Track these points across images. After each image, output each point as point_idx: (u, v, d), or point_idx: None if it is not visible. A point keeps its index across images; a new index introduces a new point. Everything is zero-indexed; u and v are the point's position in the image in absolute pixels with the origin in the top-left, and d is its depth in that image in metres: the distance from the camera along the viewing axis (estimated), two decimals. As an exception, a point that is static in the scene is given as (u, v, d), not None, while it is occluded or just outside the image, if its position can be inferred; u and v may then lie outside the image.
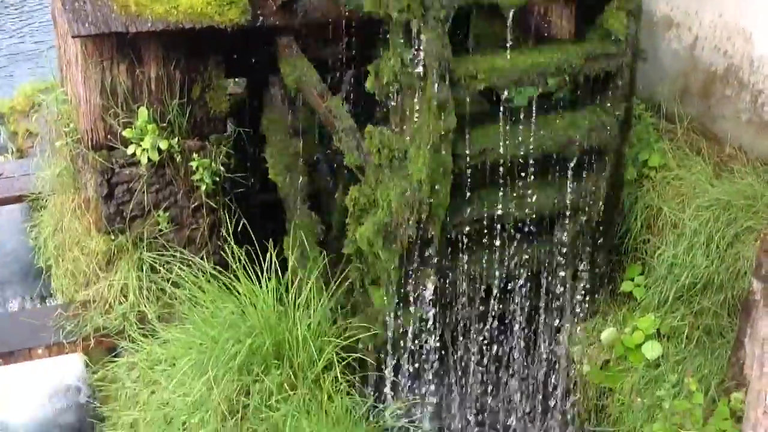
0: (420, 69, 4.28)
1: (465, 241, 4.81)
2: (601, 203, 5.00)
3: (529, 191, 4.83)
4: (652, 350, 4.86)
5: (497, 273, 5.00)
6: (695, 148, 5.54)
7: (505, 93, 4.66)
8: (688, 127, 5.67)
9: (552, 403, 5.65)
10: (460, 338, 5.29)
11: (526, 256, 5.04)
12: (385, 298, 4.81)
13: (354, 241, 4.90)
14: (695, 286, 4.96)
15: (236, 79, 6.64)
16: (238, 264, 4.94)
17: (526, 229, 4.98)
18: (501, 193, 4.75)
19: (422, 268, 4.74)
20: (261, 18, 5.52)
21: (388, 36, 4.47)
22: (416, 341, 5.04)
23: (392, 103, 4.63)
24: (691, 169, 5.36)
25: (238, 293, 4.91)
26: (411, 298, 4.87)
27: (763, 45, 5.25)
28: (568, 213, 4.98)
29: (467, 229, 4.76)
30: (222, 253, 5.41)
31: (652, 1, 5.94)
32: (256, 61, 5.90)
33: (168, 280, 5.50)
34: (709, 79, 5.64)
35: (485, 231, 4.81)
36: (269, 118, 5.96)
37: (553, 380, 5.58)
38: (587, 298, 5.34)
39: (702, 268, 4.90)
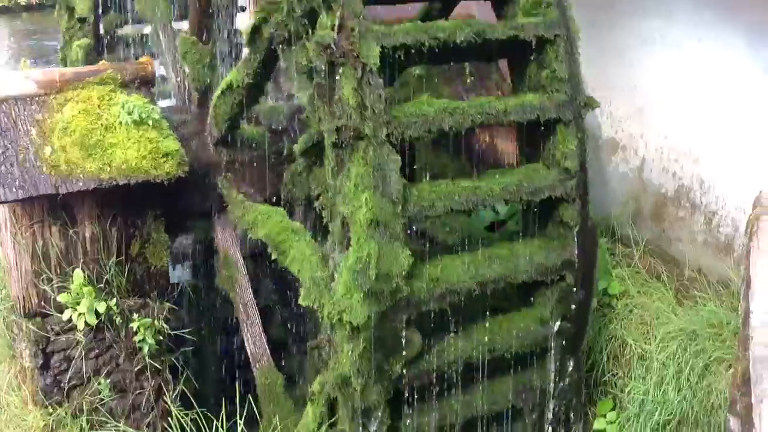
0: None
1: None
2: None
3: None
4: (635, 500, 4.57)
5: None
6: (654, 272, 5.40)
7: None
8: (645, 250, 5.55)
9: None
10: None
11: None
12: None
13: None
14: (669, 424, 4.71)
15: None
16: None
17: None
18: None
19: None
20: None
21: None
22: None
23: None
24: (651, 295, 5.20)
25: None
26: None
27: (712, 166, 5.18)
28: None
29: None
30: (169, 418, 5.08)
31: (596, 125, 5.90)
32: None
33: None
34: (661, 201, 5.54)
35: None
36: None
37: None
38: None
39: (674, 403, 4.66)
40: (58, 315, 5.24)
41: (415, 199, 4.10)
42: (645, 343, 4.99)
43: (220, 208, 5.68)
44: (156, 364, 5.49)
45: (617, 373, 5.14)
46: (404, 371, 4.24)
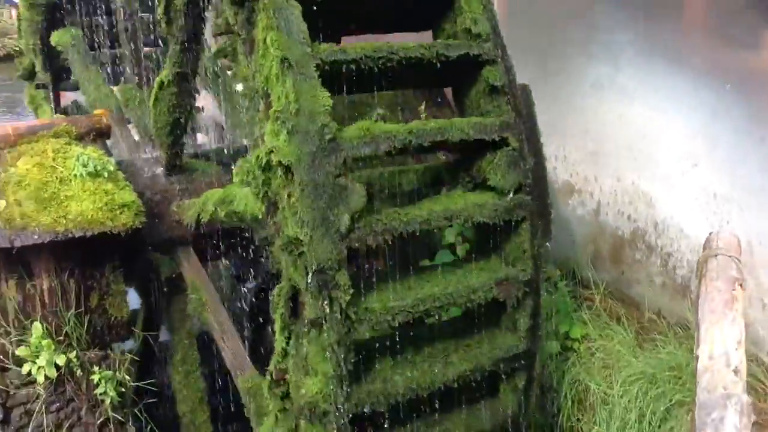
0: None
1: None
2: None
3: None
4: None
5: None
6: (615, 315, 5.43)
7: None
8: (605, 292, 5.59)
9: None
10: None
11: None
12: None
13: None
14: (634, 468, 4.71)
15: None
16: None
17: None
18: None
19: None
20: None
21: None
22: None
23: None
24: (612, 338, 5.21)
25: None
26: None
27: (665, 208, 5.24)
28: None
29: None
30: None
31: (551, 169, 5.96)
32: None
33: None
34: (618, 244, 5.59)
35: None
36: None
37: None
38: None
39: (638, 448, 4.66)
40: (17, 369, 5.18)
41: (326, 47, 3.98)
42: (608, 387, 4.98)
43: (182, 238, 5.64)
44: (119, 417, 5.43)
45: (581, 418, 5.13)
46: (354, 226, 3.86)
